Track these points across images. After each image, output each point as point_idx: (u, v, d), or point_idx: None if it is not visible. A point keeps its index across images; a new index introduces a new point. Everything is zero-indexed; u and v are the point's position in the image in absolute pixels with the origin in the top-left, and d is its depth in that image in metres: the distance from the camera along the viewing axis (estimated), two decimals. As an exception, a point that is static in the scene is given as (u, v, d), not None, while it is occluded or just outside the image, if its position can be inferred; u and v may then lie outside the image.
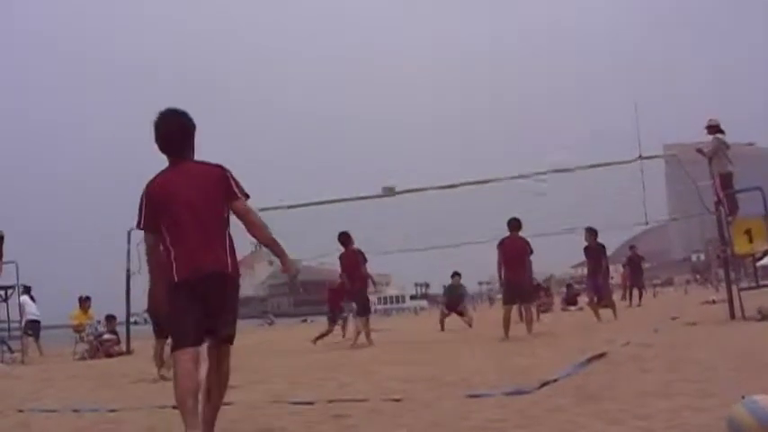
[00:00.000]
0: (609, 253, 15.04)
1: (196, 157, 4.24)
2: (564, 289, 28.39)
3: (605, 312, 13.97)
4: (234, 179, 4.13)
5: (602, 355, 7.00)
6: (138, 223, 4.15)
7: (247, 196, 4.16)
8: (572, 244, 15.29)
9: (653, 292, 38.41)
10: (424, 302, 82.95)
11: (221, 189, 4.08)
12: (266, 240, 4.18)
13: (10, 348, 14.49)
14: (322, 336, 13.84)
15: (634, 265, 21.93)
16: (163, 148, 4.16)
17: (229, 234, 4.14)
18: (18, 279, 14.13)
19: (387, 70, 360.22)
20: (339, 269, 12.87)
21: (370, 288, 13.55)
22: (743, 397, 3.26)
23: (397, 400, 5.21)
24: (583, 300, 22.35)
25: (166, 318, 4.20)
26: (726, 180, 11.46)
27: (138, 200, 4.14)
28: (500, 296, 15.06)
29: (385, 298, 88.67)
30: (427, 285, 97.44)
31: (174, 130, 4.16)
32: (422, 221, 15.78)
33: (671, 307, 18.24)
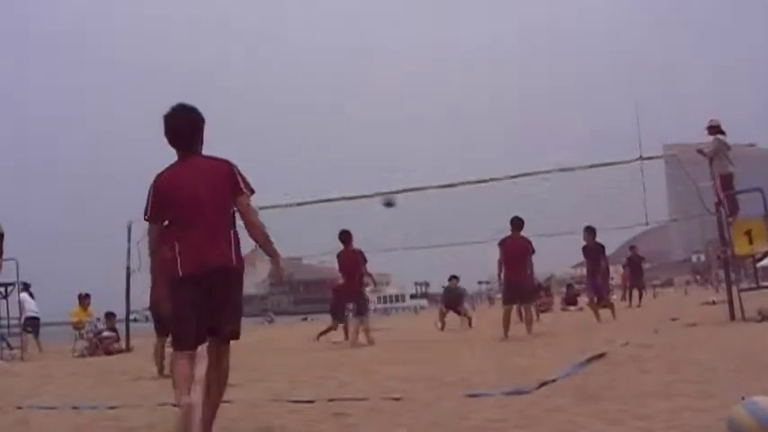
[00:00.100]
0: (609, 253, 15.04)
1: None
2: (564, 289, 28.40)
3: (605, 312, 13.97)
4: (241, 174, 4.18)
5: (601, 356, 6.99)
6: (145, 215, 4.19)
7: (253, 191, 4.20)
8: (572, 244, 15.28)
9: (653, 293, 38.42)
10: (424, 302, 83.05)
11: (229, 184, 4.13)
12: (261, 240, 4.22)
13: (9, 345, 14.51)
14: (326, 331, 13.83)
15: (634, 265, 21.92)
16: (172, 143, 4.21)
17: (236, 230, 4.17)
18: (18, 276, 14.14)
19: (387, 70, 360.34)
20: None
21: (371, 287, 13.55)
22: (743, 398, 3.26)
23: (397, 400, 5.21)
24: (583, 300, 22.36)
25: (167, 315, 4.21)
26: (726, 181, 11.46)
27: (146, 192, 4.18)
28: (500, 296, 15.06)
29: (385, 297, 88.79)
30: (427, 284, 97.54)
31: (184, 125, 4.21)
32: (422, 221, 15.76)
33: (671, 308, 18.24)
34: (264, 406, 5.35)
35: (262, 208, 4.45)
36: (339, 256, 12.46)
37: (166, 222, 4.17)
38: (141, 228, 14.54)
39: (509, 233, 11.80)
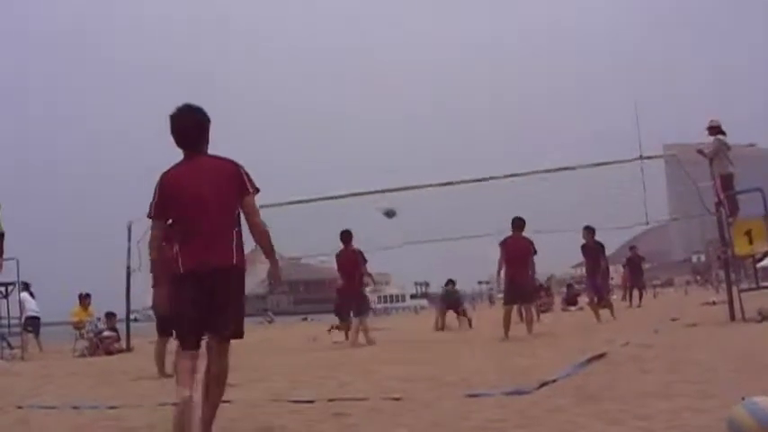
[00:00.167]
0: (609, 253, 15.04)
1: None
2: (564, 289, 28.39)
3: (604, 312, 13.97)
4: (247, 174, 4.23)
5: (602, 356, 7.00)
6: (149, 212, 4.24)
7: (258, 191, 4.25)
8: (572, 244, 15.27)
9: (653, 293, 38.40)
10: (424, 301, 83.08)
11: (234, 184, 4.18)
12: (263, 243, 4.30)
13: (10, 345, 14.51)
14: (338, 328, 13.80)
15: (634, 265, 21.89)
16: (178, 142, 4.27)
17: (239, 229, 4.21)
18: (19, 276, 14.13)
19: (387, 70, 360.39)
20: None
21: (370, 287, 13.54)
22: (743, 398, 3.26)
23: (397, 400, 5.21)
24: (583, 300, 22.35)
25: (167, 314, 4.29)
26: (726, 181, 11.46)
27: (151, 191, 4.24)
28: (500, 296, 15.05)
29: (385, 297, 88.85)
30: (427, 284, 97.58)
31: (190, 126, 4.27)
32: (422, 220, 15.75)
33: (671, 308, 18.23)
34: (264, 406, 5.35)
35: (261, 207, 4.47)
36: (339, 255, 12.46)
37: (170, 221, 4.23)
38: (141, 227, 14.59)
39: (510, 233, 11.80)
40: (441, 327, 16.70)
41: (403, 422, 4.37)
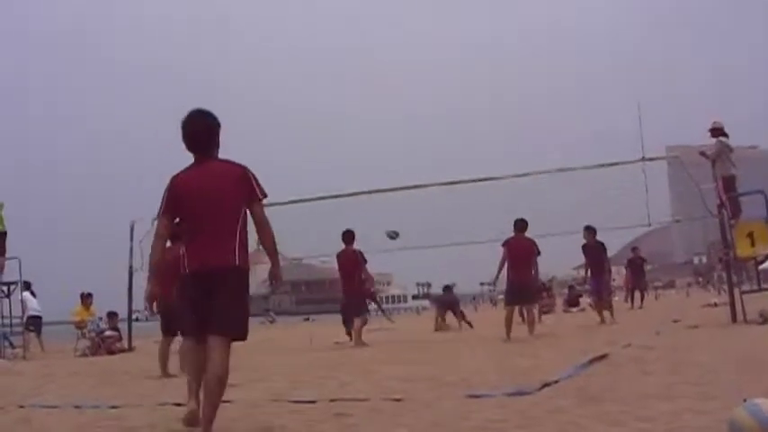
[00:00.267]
0: (610, 254, 15.03)
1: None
2: (566, 290, 28.39)
3: (605, 314, 13.95)
4: (255, 179, 4.34)
5: (603, 357, 7.00)
6: (159, 212, 4.40)
7: (265, 195, 4.37)
8: (574, 245, 15.27)
9: (654, 295, 38.39)
10: (425, 302, 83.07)
11: (242, 189, 4.30)
12: (267, 245, 4.44)
13: (12, 344, 14.52)
14: (349, 334, 13.81)
15: (635, 266, 21.86)
16: (189, 147, 4.39)
17: (244, 232, 4.31)
18: (21, 275, 14.15)
19: (387, 70, 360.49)
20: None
21: (372, 288, 13.53)
22: (744, 400, 3.26)
23: (398, 400, 5.21)
24: (585, 301, 22.36)
25: (154, 310, 4.65)
26: (729, 183, 11.45)
27: (162, 193, 4.39)
28: (502, 297, 15.06)
29: (387, 297, 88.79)
30: (429, 285, 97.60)
31: (200, 131, 4.39)
32: (423, 221, 15.75)
33: (672, 309, 18.22)
34: (265, 406, 5.35)
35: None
36: (339, 255, 12.46)
37: (178, 220, 4.40)
38: (144, 227, 14.66)
39: (512, 234, 11.79)
40: (439, 327, 16.76)
41: (403, 422, 4.37)
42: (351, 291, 12.37)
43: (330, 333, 14.71)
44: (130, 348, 14.73)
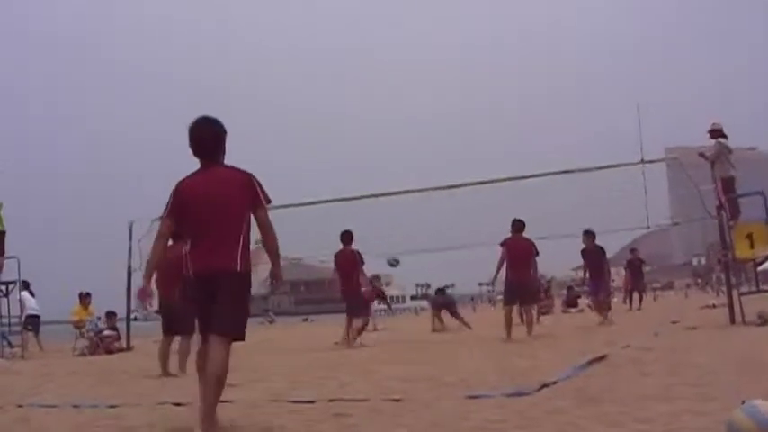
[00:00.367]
0: (609, 256, 15.04)
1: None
2: (564, 291, 28.40)
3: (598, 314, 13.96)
4: (260, 185, 4.45)
5: (602, 358, 7.00)
6: (163, 215, 4.53)
7: (269, 201, 4.48)
8: (573, 246, 15.30)
9: (653, 296, 38.41)
10: (424, 303, 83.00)
11: (246, 195, 4.41)
12: (270, 248, 4.54)
13: (10, 343, 14.52)
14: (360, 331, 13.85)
15: (634, 268, 21.87)
16: (195, 152, 4.50)
17: (248, 237, 4.41)
18: (20, 275, 14.15)
19: (387, 70, 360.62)
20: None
21: (364, 288, 13.53)
22: (743, 401, 3.26)
23: (397, 400, 5.21)
24: (583, 302, 22.37)
25: (144, 308, 4.73)
26: (728, 184, 11.47)
27: (168, 197, 4.51)
28: (500, 297, 15.07)
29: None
30: (428, 286, 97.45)
31: (207, 137, 4.51)
32: (422, 222, 15.77)
33: (671, 311, 18.24)
34: (264, 406, 5.35)
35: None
36: (337, 255, 12.47)
37: (180, 223, 4.50)
38: (142, 227, 14.67)
39: (510, 235, 11.80)
40: (435, 328, 16.78)
41: (403, 422, 4.37)
42: (349, 291, 12.38)
43: (329, 333, 14.71)
44: (129, 348, 14.74)
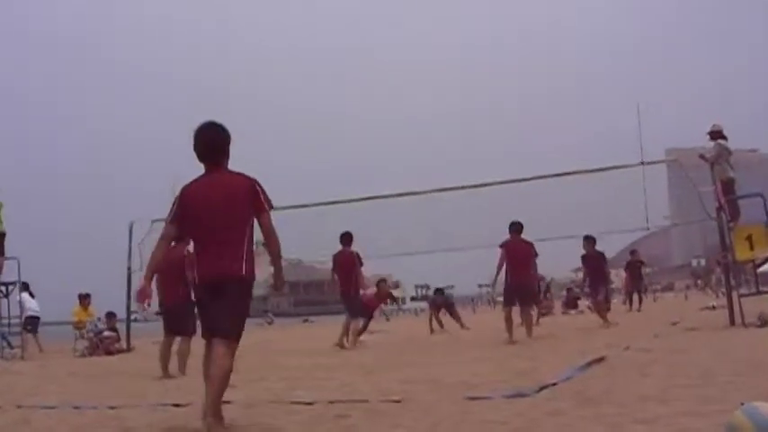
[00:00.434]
0: (609, 257, 15.04)
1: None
2: (564, 292, 28.40)
3: (598, 316, 13.95)
4: (263, 191, 4.51)
5: (601, 359, 7.01)
6: (167, 219, 4.59)
7: (272, 207, 4.56)
8: (572, 247, 15.30)
9: (653, 297, 38.39)
10: (423, 304, 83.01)
11: (249, 200, 4.47)
12: (272, 251, 4.60)
13: (10, 344, 14.52)
14: (361, 332, 13.86)
15: (634, 269, 21.86)
16: (200, 157, 4.57)
17: (251, 242, 4.48)
18: (20, 275, 14.15)
19: (387, 70, 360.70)
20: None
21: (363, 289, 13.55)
22: (742, 403, 3.27)
23: (397, 402, 5.22)
24: (583, 303, 22.36)
25: (139, 308, 4.89)
26: (727, 186, 11.47)
27: (172, 201, 4.61)
28: (500, 298, 15.07)
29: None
30: (428, 287, 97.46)
31: (211, 142, 4.58)
32: (422, 223, 15.78)
33: (671, 312, 18.22)
34: (264, 407, 5.35)
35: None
36: (336, 256, 12.47)
37: (186, 228, 4.59)
38: (142, 228, 14.68)
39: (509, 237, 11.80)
40: (433, 329, 16.78)
41: (403, 424, 4.38)
42: (347, 292, 12.38)
43: (329, 334, 14.71)
44: (129, 349, 14.74)
